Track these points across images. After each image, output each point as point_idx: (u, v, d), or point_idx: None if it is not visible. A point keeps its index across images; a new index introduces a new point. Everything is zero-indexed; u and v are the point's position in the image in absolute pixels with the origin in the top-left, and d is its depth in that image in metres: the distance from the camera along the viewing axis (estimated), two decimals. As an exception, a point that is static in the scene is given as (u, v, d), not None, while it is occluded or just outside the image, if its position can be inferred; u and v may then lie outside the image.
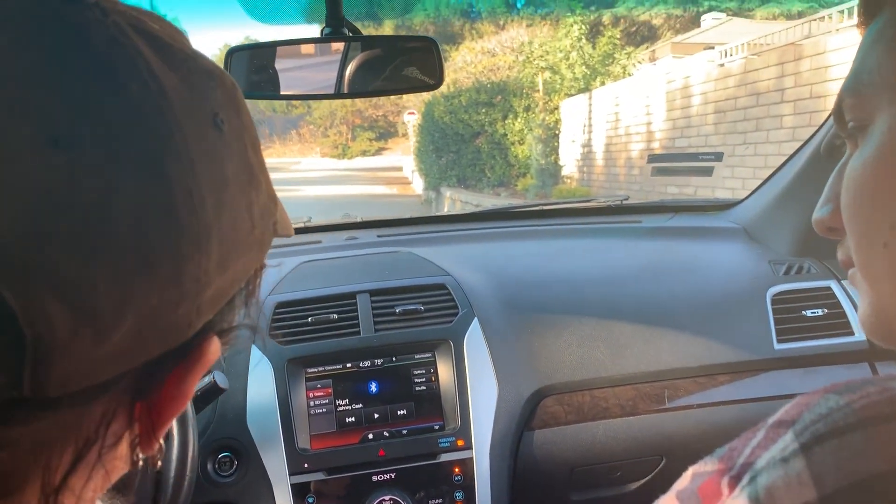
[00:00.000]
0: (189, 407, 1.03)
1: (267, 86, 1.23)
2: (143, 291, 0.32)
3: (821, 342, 1.50)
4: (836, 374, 1.50)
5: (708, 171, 7.72)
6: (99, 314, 0.30)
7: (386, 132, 35.14)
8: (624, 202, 2.01)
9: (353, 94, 1.24)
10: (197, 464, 1.02)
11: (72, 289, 0.29)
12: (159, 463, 0.44)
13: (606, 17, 16.05)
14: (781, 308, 1.52)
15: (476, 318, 1.40)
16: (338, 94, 1.25)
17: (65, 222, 0.29)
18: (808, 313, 1.52)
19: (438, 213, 13.43)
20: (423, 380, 1.34)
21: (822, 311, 1.52)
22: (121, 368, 0.33)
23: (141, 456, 0.40)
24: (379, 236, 1.85)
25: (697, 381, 1.47)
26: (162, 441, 0.41)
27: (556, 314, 1.49)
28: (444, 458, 1.29)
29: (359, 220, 1.99)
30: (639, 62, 13.91)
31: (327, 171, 26.90)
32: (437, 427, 1.32)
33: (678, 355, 1.46)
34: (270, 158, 37.75)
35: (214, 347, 0.40)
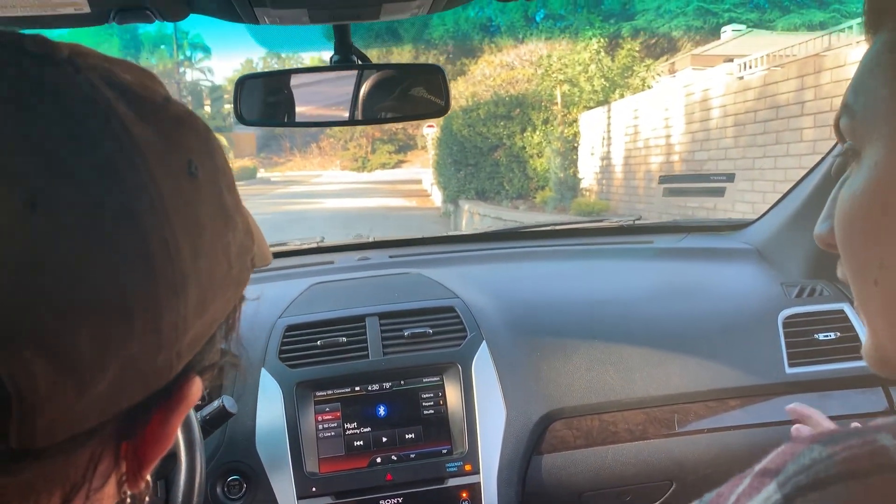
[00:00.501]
0: (197, 431, 1.04)
1: (278, 113, 1.25)
2: (123, 341, 0.33)
3: (833, 366, 1.48)
4: (849, 398, 1.49)
5: (720, 192, 7.66)
6: (81, 366, 0.31)
7: (405, 145, 35.28)
8: (636, 222, 2.01)
9: (363, 122, 1.26)
10: (205, 488, 1.03)
11: (53, 344, 0.30)
12: (147, 499, 0.45)
13: (625, 29, 16.02)
14: (793, 331, 1.51)
15: (484, 342, 1.41)
16: (349, 122, 1.27)
17: (44, 281, 0.30)
18: (821, 336, 1.51)
19: (456, 226, 13.48)
20: (431, 403, 1.35)
21: (835, 335, 1.51)
22: (105, 415, 0.34)
23: (129, 493, 0.41)
24: (391, 256, 1.86)
25: (708, 405, 1.46)
26: (149, 478, 0.42)
27: (565, 337, 1.49)
28: (452, 482, 1.29)
29: (371, 239, 2.00)
30: (658, 74, 13.87)
31: (347, 183, 27.05)
32: (444, 451, 1.32)
33: (688, 379, 1.45)
34: (291, 171, 38.05)
35: (196, 388, 0.40)
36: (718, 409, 1.46)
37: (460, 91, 14.72)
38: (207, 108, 36.21)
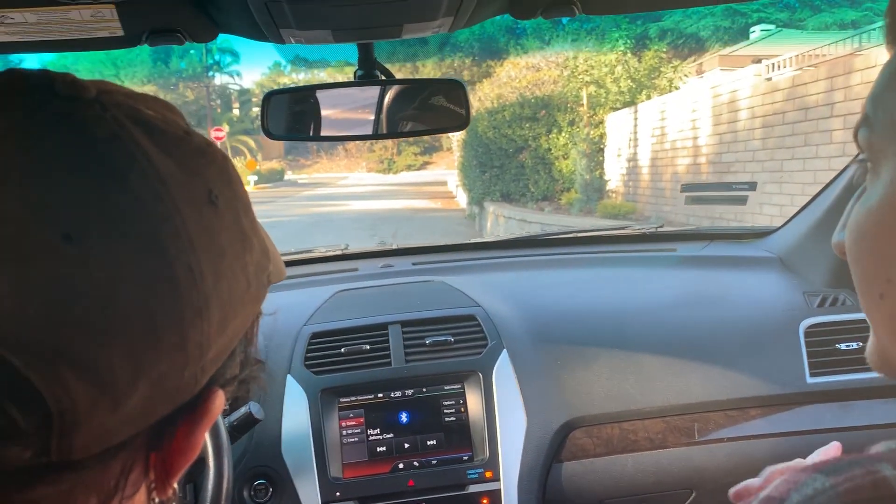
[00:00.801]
0: (225, 437, 1.08)
1: (304, 128, 1.28)
2: (152, 361, 0.36)
3: (856, 376, 1.48)
4: (872, 408, 1.48)
5: (742, 201, 7.58)
6: (115, 386, 0.34)
7: (431, 147, 35.36)
8: (658, 229, 2.01)
9: (386, 136, 1.29)
10: (232, 493, 1.06)
11: (90, 366, 0.33)
12: None
13: (652, 30, 15.92)
14: (815, 341, 1.51)
15: (505, 350, 1.43)
16: (373, 136, 1.30)
17: (79, 308, 0.33)
18: (843, 346, 1.51)
19: (481, 228, 13.46)
20: (453, 411, 1.37)
21: (857, 345, 1.50)
22: (136, 428, 0.37)
23: (157, 500, 0.44)
24: (414, 264, 1.89)
25: (728, 414, 1.46)
26: (177, 484, 0.45)
27: (587, 346, 1.50)
28: (473, 489, 1.32)
29: (394, 247, 2.03)
30: (685, 75, 13.76)
31: (373, 186, 27.19)
32: (465, 458, 1.35)
33: (709, 388, 1.46)
34: (318, 174, 38.32)
35: (219, 400, 0.43)
36: (739, 419, 1.46)
37: (485, 93, 14.71)
38: (236, 112, 36.61)
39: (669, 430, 1.45)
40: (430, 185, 24.51)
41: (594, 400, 1.44)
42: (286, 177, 34.97)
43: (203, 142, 0.43)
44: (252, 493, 1.28)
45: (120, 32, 0.93)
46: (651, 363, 1.48)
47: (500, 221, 12.55)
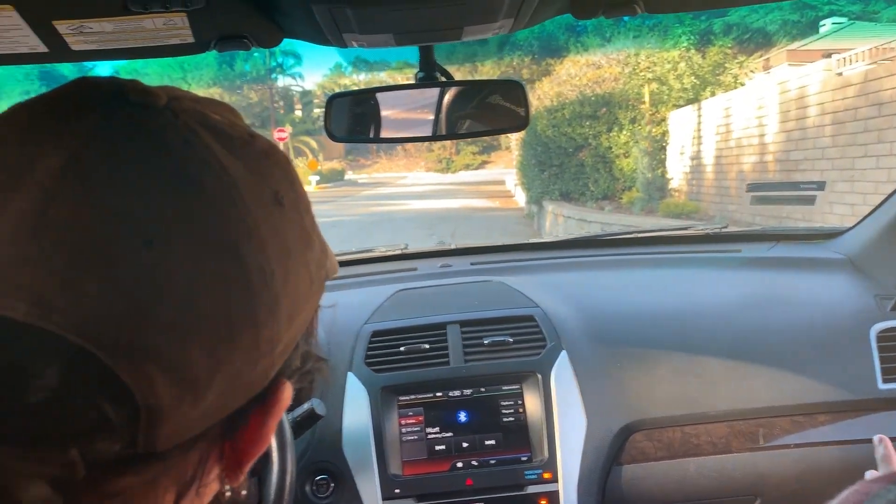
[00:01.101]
0: (289, 433, 1.11)
1: (365, 130, 1.30)
2: (228, 357, 0.38)
3: (932, 383, 1.42)
4: (949, 417, 1.42)
5: (810, 201, 7.32)
6: (196, 381, 0.36)
7: (489, 146, 35.31)
8: (722, 230, 1.97)
9: (445, 137, 1.30)
10: (295, 487, 1.09)
11: (173, 363, 0.35)
12: (243, 492, 0.50)
13: (717, 25, 15.53)
14: (888, 346, 1.45)
15: (564, 351, 1.42)
16: (432, 137, 1.31)
17: (162, 308, 0.35)
18: (919, 352, 1.45)
19: (540, 227, 13.38)
20: (511, 411, 1.38)
21: (934, 351, 1.44)
22: (213, 420, 0.39)
23: (228, 487, 0.46)
24: (472, 264, 1.89)
25: (795, 419, 1.43)
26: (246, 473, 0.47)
27: (648, 348, 1.49)
28: (531, 489, 1.32)
29: (453, 247, 2.04)
30: (751, 71, 13.36)
31: (431, 185, 27.31)
32: (524, 458, 1.35)
33: (775, 392, 1.43)
34: (377, 173, 38.69)
35: (287, 391, 0.45)
36: (806, 425, 1.42)
37: (545, 91, 14.60)
38: (298, 112, 37.28)
39: (733, 434, 1.42)
40: (488, 184, 24.48)
41: (655, 403, 1.42)
42: (346, 177, 35.43)
43: (267, 144, 0.45)
44: (314, 487, 1.31)
45: (190, 39, 0.96)
46: (715, 366, 1.45)
47: (559, 221, 12.44)
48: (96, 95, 0.40)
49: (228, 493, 0.47)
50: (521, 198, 17.47)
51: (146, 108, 0.40)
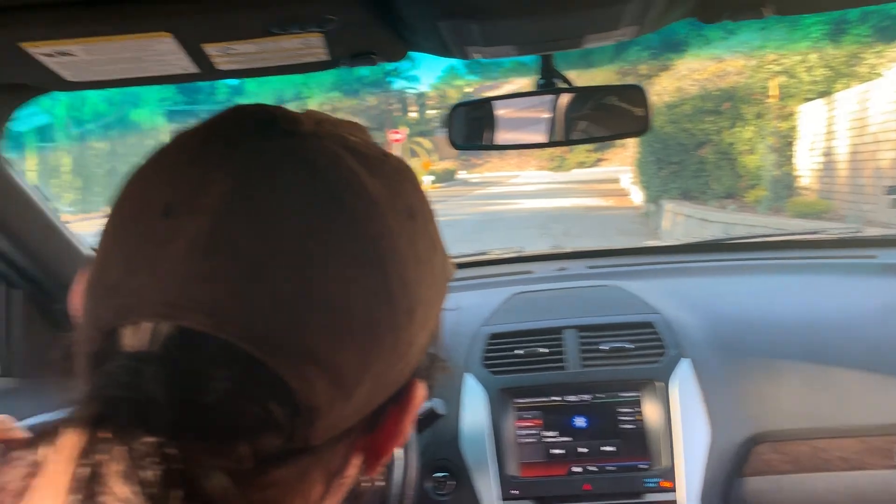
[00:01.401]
0: (412, 430, 1.15)
1: (485, 138, 1.33)
2: (374, 359, 0.42)
3: None
4: None
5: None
6: (347, 382, 0.40)
7: (604, 143, 34.62)
8: (856, 234, 1.86)
9: (564, 143, 1.30)
10: (418, 483, 1.14)
11: (329, 366, 0.39)
12: (379, 483, 0.54)
13: (853, 13, 14.53)
14: None
15: (685, 359, 1.39)
16: (551, 143, 1.32)
17: (318, 314, 0.39)
18: None
19: (657, 227, 12.99)
20: (630, 418, 1.37)
21: None
22: (358, 417, 0.43)
23: (365, 478, 0.50)
24: (589, 267, 1.88)
25: (939, 438, 1.33)
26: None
27: (776, 358, 1.43)
28: (650, 497, 1.30)
29: (569, 250, 2.04)
30: (891, 61, 12.42)
31: (543, 184, 27.11)
32: (643, 466, 1.33)
33: None
34: (489, 172, 38.80)
35: (421, 391, 0.48)
36: (952, 444, 1.33)
37: (664, 87, 14.16)
38: (413, 114, 37.99)
39: (867, 450, 1.34)
40: (602, 182, 24.02)
41: (783, 414, 1.37)
42: (457, 176, 35.77)
43: (397, 161, 0.48)
44: (434, 484, 1.35)
45: (324, 57, 1.02)
46: (848, 379, 1.38)
47: (679, 220, 12.05)
48: (252, 124, 0.45)
49: (367, 484, 0.51)
50: (637, 196, 17.04)
51: (296, 135, 0.44)
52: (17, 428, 0.70)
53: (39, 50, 0.88)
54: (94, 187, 19.55)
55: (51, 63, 0.92)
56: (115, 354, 0.39)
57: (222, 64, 1.01)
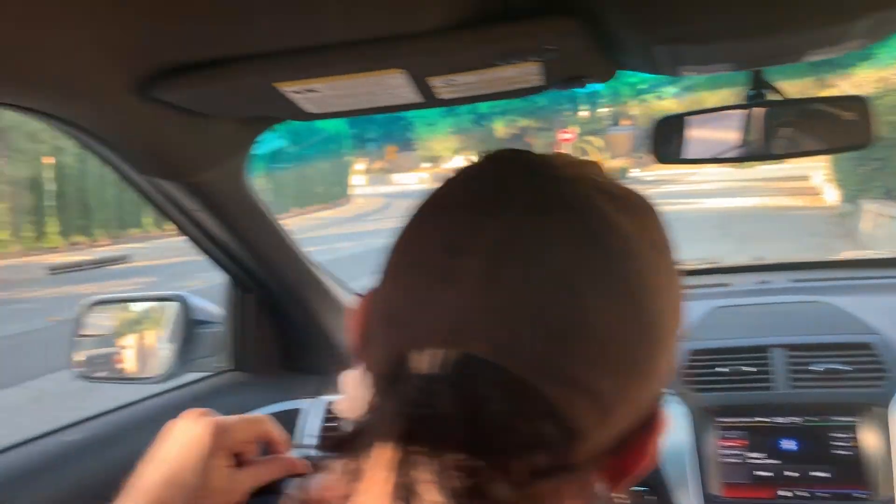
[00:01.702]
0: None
1: (691, 151, 1.31)
2: (630, 386, 0.46)
3: None
4: None
5: None
6: (608, 406, 0.45)
7: (792, 138, 32.09)
8: None
9: (774, 156, 1.26)
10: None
11: (593, 392, 0.44)
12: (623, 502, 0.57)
13: None
14: None
15: None
16: (759, 157, 1.28)
17: (583, 347, 0.44)
18: None
19: (855, 229, 11.88)
20: (844, 444, 1.29)
21: None
22: (612, 439, 0.47)
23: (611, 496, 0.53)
24: (793, 281, 1.80)
25: None
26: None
27: None
28: None
29: (770, 262, 1.95)
30: None
31: (724, 181, 25.67)
32: (859, 495, 1.26)
33: None
34: (663, 170, 37.32)
35: (665, 413, 0.51)
36: None
37: (863, 77, 12.94)
38: (584, 113, 37.40)
39: None
40: (789, 179, 22.33)
41: None
42: (629, 174, 34.73)
43: (637, 197, 0.51)
44: (634, 498, 1.36)
45: (540, 83, 1.07)
46: None
47: (881, 222, 10.96)
48: (520, 170, 0.50)
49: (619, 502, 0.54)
50: (830, 195, 15.70)
51: (560, 180, 0.48)
52: (275, 427, 0.81)
53: (290, 88, 0.99)
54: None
55: (298, 99, 1.04)
56: (408, 377, 0.45)
57: (443, 93, 1.08)
